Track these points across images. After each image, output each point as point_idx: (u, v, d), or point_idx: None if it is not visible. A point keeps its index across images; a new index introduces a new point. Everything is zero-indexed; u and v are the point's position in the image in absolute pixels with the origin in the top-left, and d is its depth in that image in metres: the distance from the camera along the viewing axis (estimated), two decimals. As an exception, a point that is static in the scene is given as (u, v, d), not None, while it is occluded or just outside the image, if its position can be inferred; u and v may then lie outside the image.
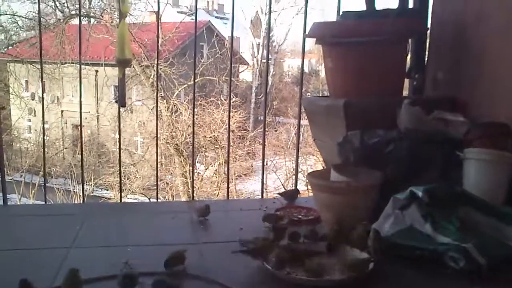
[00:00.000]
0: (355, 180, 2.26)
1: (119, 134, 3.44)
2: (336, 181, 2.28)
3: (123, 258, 2.02)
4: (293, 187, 3.39)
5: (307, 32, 2.91)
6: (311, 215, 2.61)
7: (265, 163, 3.50)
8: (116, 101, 13.14)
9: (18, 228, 2.44)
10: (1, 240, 2.23)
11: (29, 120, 16.45)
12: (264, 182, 3.26)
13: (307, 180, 2.43)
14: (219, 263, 2.01)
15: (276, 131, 15.83)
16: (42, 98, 3.76)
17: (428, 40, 3.13)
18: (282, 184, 13.61)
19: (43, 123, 3.51)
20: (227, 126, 12.58)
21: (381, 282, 1.85)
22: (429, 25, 3.01)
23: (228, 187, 3.54)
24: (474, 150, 2.24)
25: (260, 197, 3.40)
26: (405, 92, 3.16)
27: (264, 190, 3.45)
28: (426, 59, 3.12)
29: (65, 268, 1.89)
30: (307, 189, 6.19)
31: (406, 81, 3.12)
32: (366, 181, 2.28)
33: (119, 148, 3.25)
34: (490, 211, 2.07)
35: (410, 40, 2.99)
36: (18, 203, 9.88)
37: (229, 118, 3.64)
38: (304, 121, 5.14)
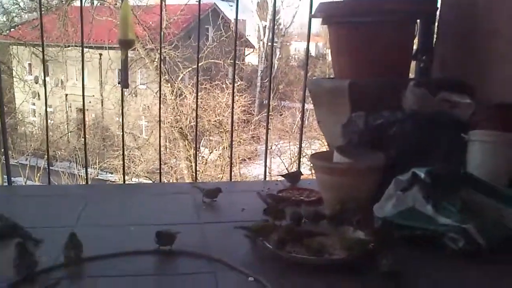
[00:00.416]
0: (357, 162, 2.26)
1: (122, 115, 3.43)
2: (339, 162, 2.27)
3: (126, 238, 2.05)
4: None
5: (313, 13, 2.88)
6: (313, 196, 2.62)
7: (269, 147, 3.50)
8: (119, 83, 13.14)
9: (22, 208, 2.45)
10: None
11: (33, 104, 16.45)
12: (268, 166, 3.25)
13: (310, 163, 2.42)
14: (221, 242, 2.02)
15: (281, 115, 15.80)
16: (44, 81, 3.74)
17: (436, 22, 3.09)
18: (286, 168, 13.59)
19: (46, 106, 3.49)
20: (231, 110, 12.57)
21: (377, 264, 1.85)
22: (438, 6, 2.97)
23: (231, 170, 3.53)
24: (479, 132, 2.23)
25: (263, 179, 3.40)
26: (412, 74, 3.14)
27: (268, 173, 3.44)
28: (434, 40, 3.09)
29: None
30: (311, 173, 6.20)
31: (413, 63, 3.09)
32: (369, 163, 2.27)
33: (122, 127, 3.24)
34: (493, 193, 2.06)
35: (418, 21, 2.96)
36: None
37: (233, 102, 3.63)
38: (310, 105, 5.12)
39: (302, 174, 2.93)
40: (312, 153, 2.53)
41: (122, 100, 3.50)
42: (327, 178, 2.27)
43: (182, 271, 1.75)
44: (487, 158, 2.19)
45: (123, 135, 3.19)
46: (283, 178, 2.94)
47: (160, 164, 3.71)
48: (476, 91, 2.60)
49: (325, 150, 2.91)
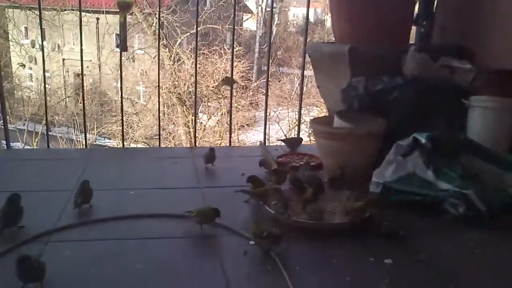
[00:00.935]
0: (358, 127, 2.25)
1: (121, 78, 3.41)
2: (339, 127, 2.26)
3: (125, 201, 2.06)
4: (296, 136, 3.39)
5: (312, -25, 2.82)
6: (313, 162, 2.62)
7: (268, 114, 3.48)
8: (117, 46, 12.96)
9: (21, 171, 2.45)
10: (3, 182, 2.24)
11: (30, 68, 16.27)
12: (267, 132, 3.25)
13: (310, 129, 2.41)
14: (220, 207, 2.03)
15: (279, 81, 15.68)
16: (42, 45, 3.68)
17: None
18: (285, 135, 13.59)
19: (44, 71, 3.45)
20: (230, 75, 12.47)
21: (377, 227, 1.87)
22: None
23: (230, 135, 3.53)
24: (480, 98, 2.21)
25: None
26: (412, 40, 3.10)
27: (266, 140, 3.43)
28: (434, 6, 3.04)
29: (68, 211, 1.94)
30: (310, 140, 6.20)
31: (413, 28, 3.05)
32: (369, 128, 2.26)
33: (121, 91, 3.22)
34: (493, 159, 2.06)
35: (419, -14, 2.91)
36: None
37: (232, 66, 3.60)
38: (308, 72, 5.06)
39: (302, 140, 2.92)
40: (312, 118, 2.52)
41: (121, 64, 3.46)
42: (327, 143, 2.27)
43: (183, 235, 1.76)
44: (488, 124, 2.19)
45: (121, 98, 3.16)
46: (283, 143, 2.94)
47: (160, 129, 3.70)
48: (476, 57, 2.58)
49: (324, 115, 2.90)
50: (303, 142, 2.97)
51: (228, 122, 11.23)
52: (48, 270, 1.40)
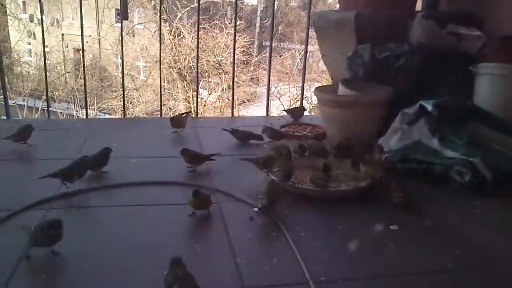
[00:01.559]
0: (363, 95, 2.21)
1: (122, 46, 3.35)
2: (344, 95, 2.22)
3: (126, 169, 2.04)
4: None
5: None
6: (317, 131, 2.60)
7: (269, 89, 3.44)
8: (118, 15, 12.77)
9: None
10: (3, 150, 2.22)
11: (29, 43, 16.11)
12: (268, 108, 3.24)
13: (315, 96, 2.37)
14: (223, 175, 2.01)
15: (280, 56, 15.52)
16: (42, 20, 3.62)
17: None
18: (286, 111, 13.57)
19: (43, 46, 3.38)
20: (231, 50, 12.33)
21: (385, 193, 1.85)
22: None
23: (232, 105, 3.49)
24: (489, 65, 2.17)
25: (265, 115, 3.36)
26: (419, 7, 3.03)
27: (268, 112, 3.40)
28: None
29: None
30: (311, 114, 6.16)
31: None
32: (375, 96, 2.23)
33: (122, 61, 3.17)
34: (500, 127, 2.04)
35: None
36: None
37: (235, 38, 3.53)
38: (310, 47, 4.98)
39: (306, 110, 2.89)
40: (316, 87, 2.48)
41: (122, 33, 3.40)
42: (332, 111, 2.24)
43: (186, 202, 1.74)
44: (496, 91, 2.15)
45: (122, 70, 3.10)
46: (286, 114, 2.91)
47: (161, 99, 3.64)
48: (485, 24, 2.52)
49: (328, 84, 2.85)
50: (307, 111, 2.94)
51: (229, 98, 11.09)
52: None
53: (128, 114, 12.58)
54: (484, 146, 1.97)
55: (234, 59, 3.38)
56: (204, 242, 1.48)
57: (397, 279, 1.33)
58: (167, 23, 12.81)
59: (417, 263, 1.40)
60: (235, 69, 3.73)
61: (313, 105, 10.72)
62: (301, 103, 3.40)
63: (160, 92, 3.56)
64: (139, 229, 1.54)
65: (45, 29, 3.31)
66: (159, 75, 3.60)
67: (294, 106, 13.57)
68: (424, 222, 1.63)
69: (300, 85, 3.37)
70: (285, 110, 2.96)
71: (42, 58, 3.32)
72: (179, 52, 12.89)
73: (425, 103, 2.02)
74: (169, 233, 1.54)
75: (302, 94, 3.33)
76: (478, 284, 1.30)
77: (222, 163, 2.11)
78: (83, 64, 3.59)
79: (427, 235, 1.56)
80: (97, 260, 1.37)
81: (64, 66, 15.70)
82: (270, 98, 3.33)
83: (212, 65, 12.84)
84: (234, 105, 3.54)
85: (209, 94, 13.42)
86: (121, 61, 3.66)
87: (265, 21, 17.14)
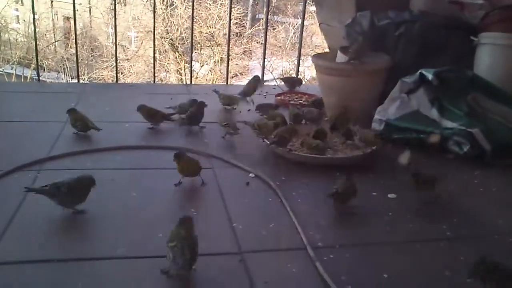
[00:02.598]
0: (362, 63, 2.16)
1: (115, 11, 3.26)
2: (343, 62, 2.18)
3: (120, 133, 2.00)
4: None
5: None
6: (313, 100, 2.56)
7: (261, 64, 3.39)
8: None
9: (14, 103, 2.36)
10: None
11: (16, 10, 15.75)
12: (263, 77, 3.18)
13: (312, 63, 2.32)
14: (220, 141, 1.97)
15: (274, 29, 15.35)
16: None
17: None
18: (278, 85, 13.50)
19: (33, 13, 3.26)
20: (223, 22, 12.17)
21: (382, 164, 1.83)
22: None
23: (227, 73, 3.43)
24: (491, 35, 2.13)
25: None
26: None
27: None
28: None
29: (62, 140, 1.87)
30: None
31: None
32: (374, 64, 2.18)
33: (115, 28, 3.09)
34: (501, 98, 2.01)
35: None
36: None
37: (231, 7, 3.45)
38: (305, 21, 4.90)
39: (302, 81, 2.84)
40: (314, 54, 2.42)
41: (115, 3, 3.31)
42: (330, 79, 2.19)
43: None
44: (497, 62, 2.11)
45: (115, 39, 3.02)
46: (281, 83, 2.86)
47: (155, 62, 3.56)
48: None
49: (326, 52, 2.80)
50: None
51: (221, 70, 10.96)
52: (41, 197, 1.35)
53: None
54: (484, 117, 1.95)
55: (229, 25, 3.30)
56: (199, 207, 1.46)
57: (396, 247, 1.31)
58: (160, -7, 12.59)
59: (415, 231, 1.39)
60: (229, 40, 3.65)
61: (306, 80, 10.65)
62: (297, 74, 3.34)
63: (154, 62, 3.49)
64: (134, 192, 1.51)
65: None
66: (151, 46, 3.53)
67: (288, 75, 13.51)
68: (422, 192, 1.61)
69: (293, 59, 3.32)
70: (281, 79, 2.91)
71: (31, 26, 3.23)
72: (171, 23, 12.69)
73: (425, 72, 1.98)
74: (164, 198, 1.51)
75: (298, 67, 3.28)
76: (477, 253, 1.28)
77: (217, 128, 2.07)
78: (75, 33, 3.48)
79: (425, 204, 1.55)
80: (92, 222, 1.33)
81: (54, 35, 15.42)
82: (263, 72, 3.26)
83: (204, 36, 12.67)
84: (227, 76, 3.47)
85: (201, 66, 13.27)
86: (113, 31, 3.57)
87: (259, -7, 16.90)
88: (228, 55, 3.29)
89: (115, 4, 3.43)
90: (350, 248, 1.29)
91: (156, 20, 12.28)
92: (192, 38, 3.22)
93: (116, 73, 2.89)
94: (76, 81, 3.15)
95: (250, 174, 1.67)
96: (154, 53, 3.24)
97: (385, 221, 1.43)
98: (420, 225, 1.42)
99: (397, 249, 1.30)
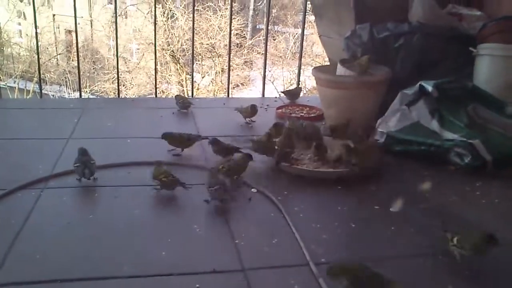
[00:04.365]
0: (362, 75, 2.17)
1: (116, 25, 3.28)
2: (343, 75, 2.19)
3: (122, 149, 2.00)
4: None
5: None
6: (314, 113, 2.57)
7: (262, 74, 3.40)
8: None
9: (16, 120, 2.38)
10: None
11: (19, 24, 15.85)
12: (261, 91, 3.19)
13: (313, 76, 2.33)
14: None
15: (274, 39, 15.41)
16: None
17: None
18: (279, 94, 13.52)
19: (35, 27, 3.28)
20: (224, 33, 12.22)
21: (384, 176, 1.84)
22: None
23: (229, 84, 3.44)
24: (489, 46, 2.14)
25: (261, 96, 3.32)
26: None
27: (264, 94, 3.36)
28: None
29: (65, 157, 1.88)
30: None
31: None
32: (374, 76, 2.19)
33: (116, 40, 3.11)
34: (500, 108, 2.01)
35: None
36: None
37: (231, 17, 3.47)
38: (305, 31, 4.91)
39: (301, 89, 2.85)
40: (314, 67, 2.44)
41: (116, 12, 3.33)
42: (330, 92, 2.20)
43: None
44: (496, 72, 2.13)
45: (117, 51, 3.04)
46: (282, 95, 2.87)
47: (156, 79, 3.58)
48: (484, 3, 2.49)
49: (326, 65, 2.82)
50: (301, 95, 2.91)
51: (222, 81, 10.97)
52: (44, 215, 1.36)
53: (122, 96, 12.50)
54: (484, 128, 1.95)
55: (230, 36, 3.31)
56: (202, 223, 1.46)
57: (399, 261, 1.31)
58: (160, 5, 12.65)
59: (418, 245, 1.39)
60: (230, 51, 3.67)
61: (307, 89, 10.67)
62: (298, 84, 3.36)
63: (155, 74, 3.51)
64: (137, 210, 1.51)
65: (36, 9, 3.22)
66: (152, 58, 3.54)
67: (288, 89, 13.56)
68: (424, 204, 1.61)
69: (293, 69, 3.35)
70: (282, 92, 2.93)
71: (33, 39, 3.26)
72: (172, 34, 12.75)
73: (425, 84, 1.99)
74: (166, 214, 1.52)
75: (299, 76, 3.30)
76: (481, 266, 1.28)
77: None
78: (77, 46, 3.52)
79: (427, 217, 1.55)
80: (96, 240, 1.34)
81: (56, 48, 15.50)
82: (264, 82, 3.28)
83: (205, 47, 12.72)
84: (228, 87, 3.49)
85: (203, 77, 13.31)
86: (114, 43, 3.59)
87: (259, 3, 16.98)
88: (229, 68, 3.30)
89: (116, 17, 3.45)
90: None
91: (157, 32, 12.35)
92: (193, 50, 3.24)
93: (118, 87, 2.90)
94: (78, 95, 3.17)
95: (252, 189, 1.68)
96: (156, 67, 3.26)
97: (388, 235, 1.43)
98: (423, 238, 1.42)
99: (400, 264, 1.30)
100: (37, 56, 3.29)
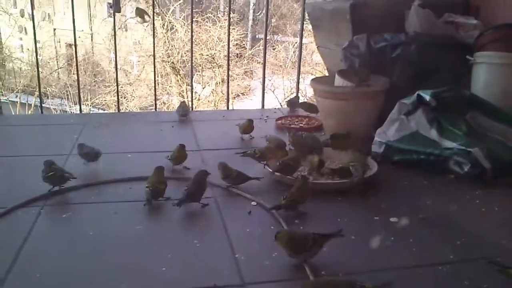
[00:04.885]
0: (360, 86, 2.18)
1: (115, 40, 3.30)
2: (341, 86, 2.20)
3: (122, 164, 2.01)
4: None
5: None
6: (313, 123, 2.58)
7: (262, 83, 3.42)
8: (111, 7, 12.63)
9: (16, 137, 2.39)
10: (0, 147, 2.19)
11: (20, 39, 15.95)
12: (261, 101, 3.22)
13: (311, 87, 2.34)
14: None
15: (274, 49, 15.45)
16: (32, 14, 3.55)
17: None
18: (280, 104, 13.53)
19: (35, 41, 3.30)
20: (224, 43, 12.27)
21: (384, 186, 1.84)
22: None
23: (228, 96, 3.46)
24: (486, 54, 2.15)
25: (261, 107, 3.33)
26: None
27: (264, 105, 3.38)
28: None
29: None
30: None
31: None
32: (372, 87, 2.20)
33: (115, 53, 3.13)
34: (498, 116, 2.02)
35: None
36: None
37: (229, 25, 3.49)
38: (304, 39, 4.91)
39: (299, 98, 2.87)
40: (312, 78, 2.45)
41: (115, 26, 3.35)
42: (329, 103, 2.21)
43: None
44: (493, 80, 2.13)
45: (116, 64, 3.06)
46: (281, 106, 2.88)
47: (155, 92, 3.60)
48: (481, 12, 2.50)
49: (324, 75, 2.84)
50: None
51: (223, 92, 11.00)
52: (44, 233, 1.36)
53: (122, 109, 12.50)
54: (483, 136, 1.96)
55: (228, 47, 3.33)
56: (202, 238, 1.46)
57: (399, 272, 1.31)
58: (160, 17, 12.72)
59: (418, 256, 1.38)
60: (229, 62, 3.68)
61: (307, 98, 10.69)
62: (297, 94, 3.37)
63: (155, 86, 3.52)
64: (138, 226, 1.51)
65: (36, 24, 3.25)
66: (152, 70, 3.55)
67: (289, 97, 13.58)
68: (423, 214, 1.61)
69: (294, 77, 3.36)
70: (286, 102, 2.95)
71: (34, 54, 3.26)
72: (172, 46, 12.81)
73: (422, 94, 2.00)
74: (167, 229, 1.52)
75: (298, 86, 3.31)
76: (481, 276, 1.28)
77: (218, 157, 2.08)
78: (76, 59, 3.54)
79: (427, 227, 1.55)
80: (95, 257, 1.34)
81: (57, 62, 15.57)
82: (264, 91, 3.29)
83: (205, 58, 12.76)
84: (228, 99, 3.50)
85: (203, 88, 13.35)
86: (114, 56, 3.62)
87: (258, 13, 17.06)
88: (228, 81, 3.31)
89: (114, 29, 3.47)
90: (353, 276, 1.28)
91: (157, 44, 12.42)
92: (191, 62, 3.26)
93: (118, 102, 2.91)
94: (78, 107, 3.18)
95: (252, 203, 1.68)
96: (155, 81, 3.27)
97: (388, 246, 1.43)
98: (423, 249, 1.42)
99: (401, 275, 1.29)
100: (37, 70, 3.31)
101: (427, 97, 1.98)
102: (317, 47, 2.84)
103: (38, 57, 3.31)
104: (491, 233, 1.52)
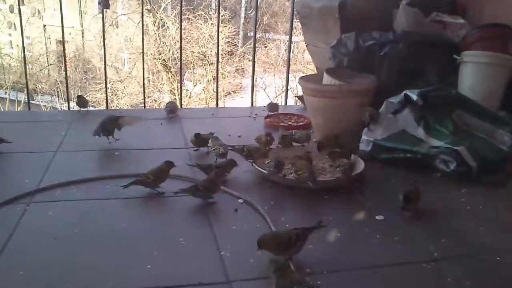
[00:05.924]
0: (348, 84, 2.19)
1: (103, 39, 3.29)
2: (329, 84, 2.20)
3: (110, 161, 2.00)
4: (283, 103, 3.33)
5: None
6: (302, 122, 2.59)
7: (253, 80, 3.41)
8: (99, 3, 12.54)
9: (3, 133, 2.36)
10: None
11: (10, 35, 15.82)
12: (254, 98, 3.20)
13: (300, 85, 2.35)
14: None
15: (265, 47, 15.45)
16: (19, 9, 3.51)
17: None
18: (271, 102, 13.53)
19: (22, 37, 3.27)
20: (215, 41, 12.25)
21: (371, 184, 1.85)
22: None
23: (217, 96, 3.45)
24: (473, 53, 2.17)
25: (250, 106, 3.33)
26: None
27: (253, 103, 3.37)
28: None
29: (52, 170, 1.88)
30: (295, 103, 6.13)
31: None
32: (360, 85, 2.21)
33: (104, 52, 3.12)
34: (485, 115, 2.04)
35: None
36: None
37: (218, 26, 3.50)
38: (295, 37, 4.91)
39: (278, 105, 2.84)
40: (301, 76, 2.45)
41: (103, 22, 3.34)
42: (317, 101, 2.21)
43: (170, 194, 1.70)
44: (480, 80, 2.15)
45: (105, 61, 3.05)
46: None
47: (144, 89, 3.58)
48: (468, 12, 2.52)
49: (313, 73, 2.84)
50: (291, 103, 2.92)
51: (214, 89, 11.04)
52: (30, 230, 1.36)
53: (113, 106, 12.44)
54: (469, 135, 1.97)
55: (218, 44, 3.32)
56: (188, 235, 1.46)
57: (384, 270, 1.32)
58: (151, 14, 12.67)
59: (403, 253, 1.39)
60: (220, 60, 3.67)
61: (298, 96, 10.71)
62: (286, 93, 3.37)
63: (144, 83, 3.51)
64: (124, 223, 1.51)
65: (26, 19, 3.22)
66: (143, 69, 3.52)
67: (279, 96, 13.56)
68: (409, 212, 1.62)
69: (285, 75, 3.36)
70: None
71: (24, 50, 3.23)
72: (163, 43, 12.76)
73: (409, 93, 2.01)
74: (153, 226, 1.52)
75: (287, 84, 3.31)
76: (464, 273, 1.29)
77: (205, 155, 2.09)
78: (64, 56, 3.52)
79: (413, 224, 1.56)
80: (82, 254, 1.34)
81: (47, 58, 15.44)
82: (255, 90, 3.29)
83: (196, 56, 12.74)
84: (219, 97, 3.50)
85: (194, 86, 13.33)
86: (103, 52, 3.60)
87: (250, 11, 17.03)
88: (217, 79, 3.29)
89: (103, 25, 3.46)
90: (338, 273, 1.29)
91: (148, 41, 12.36)
92: (181, 60, 3.24)
93: (107, 99, 2.89)
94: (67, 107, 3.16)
95: (239, 200, 1.68)
96: (144, 79, 3.26)
97: (373, 244, 1.44)
98: (408, 246, 1.43)
99: (385, 272, 1.30)
100: (24, 66, 3.27)
101: (414, 97, 1.99)
102: (306, 45, 2.85)
103: (26, 53, 3.28)
104: (475, 231, 1.53)
